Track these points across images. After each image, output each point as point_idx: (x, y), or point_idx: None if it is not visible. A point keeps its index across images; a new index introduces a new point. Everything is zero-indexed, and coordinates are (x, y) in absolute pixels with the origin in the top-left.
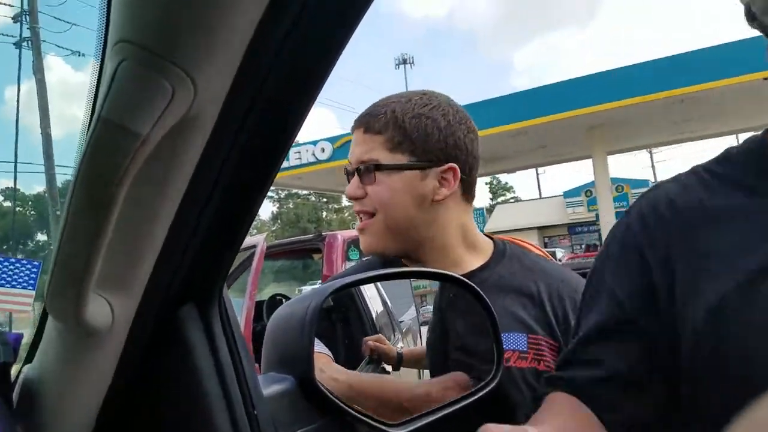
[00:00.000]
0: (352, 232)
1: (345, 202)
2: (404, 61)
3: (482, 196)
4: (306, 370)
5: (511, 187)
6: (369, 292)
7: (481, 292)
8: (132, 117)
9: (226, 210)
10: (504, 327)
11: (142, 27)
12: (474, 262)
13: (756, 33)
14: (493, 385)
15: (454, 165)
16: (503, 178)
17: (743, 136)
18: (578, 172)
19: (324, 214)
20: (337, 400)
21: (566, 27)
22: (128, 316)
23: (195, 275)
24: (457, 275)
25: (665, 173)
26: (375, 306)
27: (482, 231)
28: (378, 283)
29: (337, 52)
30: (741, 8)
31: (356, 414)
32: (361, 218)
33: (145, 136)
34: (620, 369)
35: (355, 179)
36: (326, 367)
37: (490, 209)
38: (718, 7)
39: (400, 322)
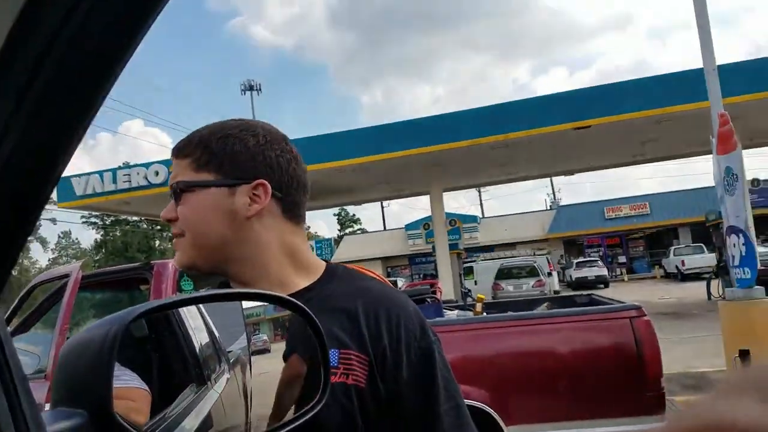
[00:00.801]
0: None
1: None
2: (251, 88)
3: (332, 227)
4: (102, 402)
5: (358, 219)
6: (193, 322)
7: (310, 312)
8: None
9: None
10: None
11: None
12: (302, 282)
13: (567, 87)
14: (318, 408)
15: (264, 181)
16: (351, 210)
17: (557, 179)
18: (413, 209)
19: (157, 242)
20: None
21: (408, 75)
22: None
23: None
24: (284, 296)
25: (490, 210)
26: (199, 336)
27: (328, 260)
28: (204, 313)
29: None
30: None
31: None
32: (175, 239)
33: None
34: None
35: (171, 203)
36: (143, 405)
37: (338, 240)
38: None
39: (229, 351)
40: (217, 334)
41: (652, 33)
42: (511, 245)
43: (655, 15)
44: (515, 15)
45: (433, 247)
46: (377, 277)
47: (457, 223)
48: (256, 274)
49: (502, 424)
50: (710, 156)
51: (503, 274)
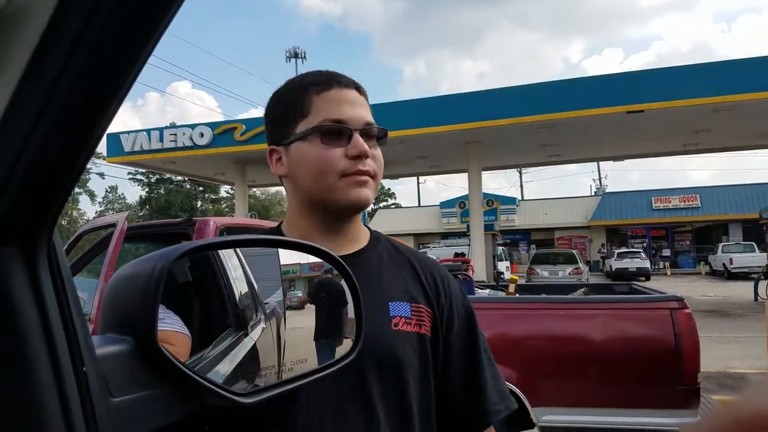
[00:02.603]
0: (226, 219)
1: (223, 192)
2: (296, 55)
3: None
4: (147, 332)
5: (393, 194)
6: (234, 272)
7: (347, 268)
8: None
9: (66, 125)
10: (393, 297)
11: None
12: (363, 240)
13: (622, 69)
14: (351, 357)
15: None
16: (386, 183)
17: (604, 165)
18: (449, 187)
19: (199, 203)
20: (181, 366)
21: (454, 49)
22: None
23: (20, 209)
24: (324, 248)
25: (530, 193)
26: (238, 284)
27: None
28: (245, 263)
29: None
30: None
31: (203, 381)
32: (364, 177)
33: None
34: None
35: (365, 141)
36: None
37: (372, 213)
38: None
39: (265, 303)
40: (256, 285)
41: (718, 16)
42: (549, 230)
43: None
44: None
45: (468, 227)
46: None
47: (495, 203)
48: (355, 228)
49: (528, 404)
50: (766, 150)
51: (539, 259)
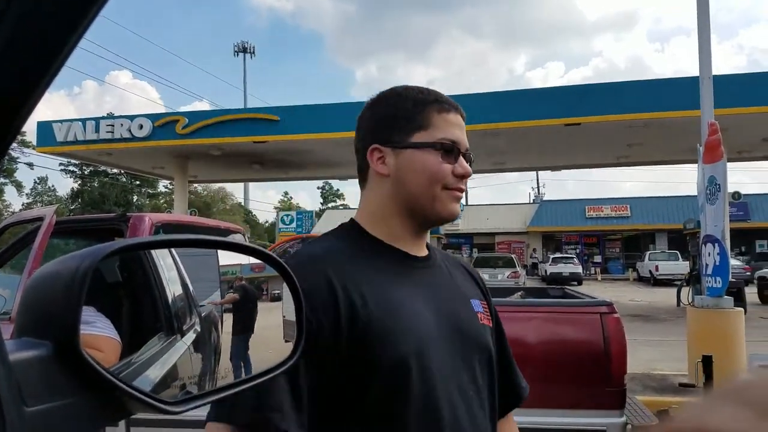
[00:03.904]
0: (163, 216)
1: (161, 187)
2: (244, 50)
3: (315, 199)
4: (69, 336)
5: (342, 194)
6: (168, 272)
7: (288, 269)
8: None
9: None
10: (469, 295)
11: None
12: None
13: (562, 83)
14: (292, 362)
15: None
16: (335, 184)
17: (542, 174)
18: None
19: (135, 198)
20: (105, 372)
21: (405, 54)
22: None
23: None
24: (264, 249)
25: (474, 198)
26: (172, 286)
27: (309, 232)
28: (180, 264)
29: None
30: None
31: (127, 389)
32: (460, 194)
33: None
34: None
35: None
36: (112, 355)
37: (320, 213)
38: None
39: (201, 306)
40: (191, 286)
41: (653, 36)
42: (491, 235)
43: (658, 19)
44: (519, 4)
45: None
46: None
47: None
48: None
49: None
50: (692, 165)
51: (480, 262)
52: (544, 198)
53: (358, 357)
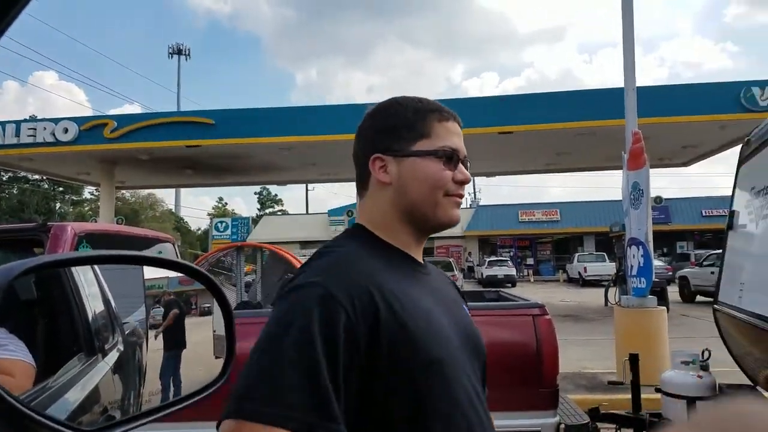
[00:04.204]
0: (87, 225)
1: (87, 193)
2: (179, 52)
3: (251, 205)
4: None
5: (280, 200)
6: (88, 288)
7: (220, 287)
8: None
9: None
10: (461, 301)
11: None
12: None
13: (497, 92)
14: (218, 385)
15: None
16: (273, 189)
17: (478, 180)
18: (338, 195)
19: (58, 205)
20: (12, 401)
21: (345, 60)
22: None
23: None
24: (191, 265)
25: None
26: (93, 303)
27: (245, 241)
28: (102, 279)
29: None
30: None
31: (38, 418)
32: (461, 200)
33: None
34: None
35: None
36: (25, 381)
37: (257, 219)
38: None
39: (124, 323)
40: (113, 303)
41: (582, 48)
42: (430, 239)
43: (586, 32)
44: (455, 16)
45: None
46: (294, 260)
47: None
48: None
49: None
50: (617, 171)
51: None
52: (481, 203)
53: (392, 361)
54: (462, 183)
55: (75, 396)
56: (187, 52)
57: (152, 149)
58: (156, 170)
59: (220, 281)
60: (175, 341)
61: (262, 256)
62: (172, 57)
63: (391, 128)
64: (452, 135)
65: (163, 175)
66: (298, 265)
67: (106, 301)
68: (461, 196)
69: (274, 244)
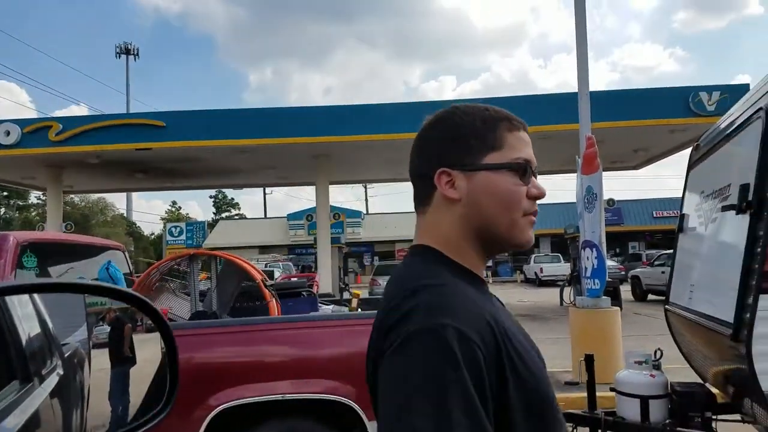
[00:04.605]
0: (31, 234)
1: (33, 198)
2: (127, 51)
3: (207, 209)
4: None
5: (237, 204)
6: (21, 309)
7: (161, 315)
8: None
9: None
10: None
11: None
12: None
13: (454, 96)
14: (161, 417)
15: None
16: (230, 193)
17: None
18: (297, 198)
19: (2, 210)
20: None
21: (301, 61)
22: None
23: None
24: (136, 295)
25: (375, 206)
26: (27, 325)
27: (201, 246)
28: (36, 299)
29: None
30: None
31: None
32: (535, 218)
33: None
34: None
35: None
36: None
37: (213, 224)
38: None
39: (64, 344)
40: (50, 324)
41: (537, 53)
42: (391, 242)
43: (542, 36)
44: (412, 18)
45: (315, 240)
46: (251, 267)
47: (341, 217)
48: None
49: (365, 418)
50: (572, 175)
51: (381, 271)
52: None
53: (518, 400)
54: (536, 198)
55: (13, 422)
56: (135, 52)
57: (101, 152)
58: (106, 174)
59: (173, 289)
60: (122, 358)
61: (218, 264)
62: (119, 57)
63: (459, 139)
64: (525, 145)
65: (113, 179)
66: (255, 273)
67: (42, 322)
68: (536, 214)
69: (231, 250)
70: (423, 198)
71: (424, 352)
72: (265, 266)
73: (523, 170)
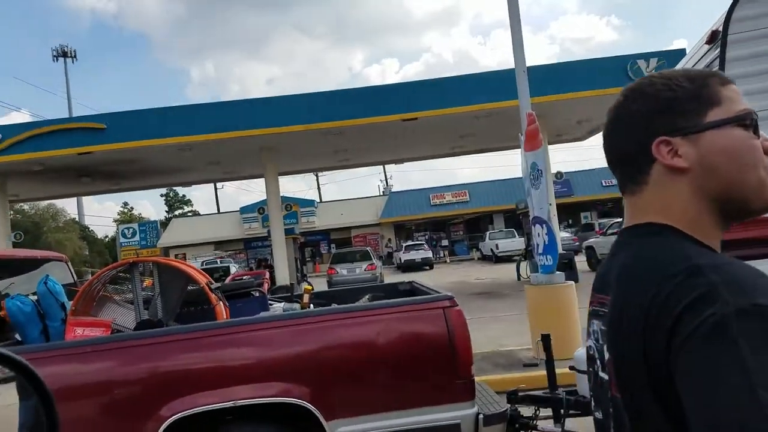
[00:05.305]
0: None
1: None
2: (64, 54)
3: (159, 208)
4: None
5: (189, 201)
6: None
7: (34, 371)
8: None
9: None
10: None
11: None
12: None
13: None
14: None
15: None
16: (180, 191)
17: (389, 167)
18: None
19: None
20: None
21: (241, 52)
22: None
23: None
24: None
25: (328, 194)
26: None
27: (155, 246)
28: None
29: None
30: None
31: None
32: None
33: None
34: None
35: None
36: None
37: (166, 222)
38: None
39: None
40: None
41: (476, 30)
42: (346, 229)
43: (478, 14)
44: (347, 4)
45: (269, 232)
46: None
47: (294, 207)
48: None
49: (322, 419)
50: (518, 150)
51: (338, 258)
52: (393, 189)
53: None
54: None
55: None
56: (73, 54)
57: (44, 159)
58: (51, 180)
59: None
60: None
61: (159, 270)
62: (57, 60)
63: (671, 102)
64: (742, 97)
65: (59, 185)
66: (199, 277)
67: None
68: None
69: (186, 248)
70: (635, 177)
71: (762, 330)
72: (220, 262)
73: (752, 122)
